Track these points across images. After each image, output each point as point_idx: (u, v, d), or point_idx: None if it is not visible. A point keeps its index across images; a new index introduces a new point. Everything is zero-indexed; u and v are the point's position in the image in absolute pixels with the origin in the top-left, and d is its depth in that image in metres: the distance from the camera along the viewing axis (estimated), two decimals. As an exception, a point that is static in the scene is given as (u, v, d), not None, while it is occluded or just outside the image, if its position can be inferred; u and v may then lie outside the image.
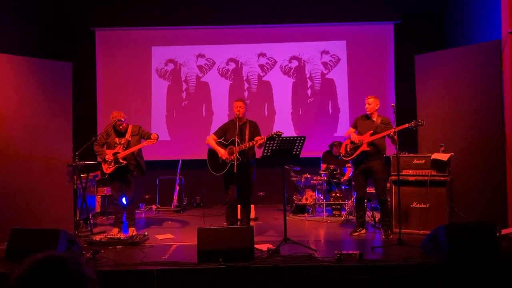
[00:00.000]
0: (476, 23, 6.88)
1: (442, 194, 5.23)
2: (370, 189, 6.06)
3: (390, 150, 5.50)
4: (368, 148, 5.28)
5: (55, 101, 5.77)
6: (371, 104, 5.40)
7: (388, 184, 5.62)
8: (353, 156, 5.42)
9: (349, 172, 7.01)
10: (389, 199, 5.46)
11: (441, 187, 5.25)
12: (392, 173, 5.43)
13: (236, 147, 5.01)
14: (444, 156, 5.28)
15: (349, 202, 6.65)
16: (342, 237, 5.37)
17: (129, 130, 5.62)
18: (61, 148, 5.72)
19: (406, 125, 5.03)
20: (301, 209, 7.11)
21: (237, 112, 5.17)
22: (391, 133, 5.02)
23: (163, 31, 8.55)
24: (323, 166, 7.30)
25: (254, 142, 4.96)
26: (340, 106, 8.44)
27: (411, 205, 5.35)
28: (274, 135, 4.68)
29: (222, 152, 5.18)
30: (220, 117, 8.12)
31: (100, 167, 5.72)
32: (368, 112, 5.43)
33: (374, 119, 5.39)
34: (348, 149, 5.51)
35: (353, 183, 6.58)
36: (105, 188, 7.03)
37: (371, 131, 5.30)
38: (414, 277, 3.70)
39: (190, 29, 8.53)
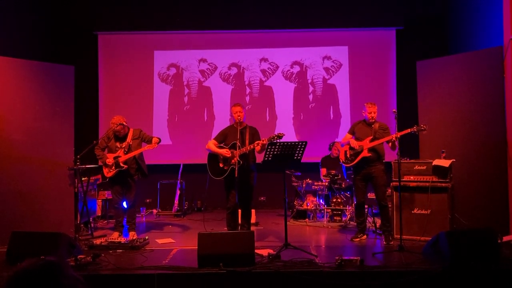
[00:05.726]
0: (478, 30, 6.89)
1: (443, 201, 5.21)
2: (371, 195, 6.04)
3: (392, 156, 5.48)
4: (370, 154, 5.27)
5: (57, 105, 5.79)
6: (376, 112, 5.38)
7: (389, 190, 5.61)
8: (354, 162, 5.40)
9: None
10: (390, 205, 5.45)
11: (443, 193, 5.23)
12: (394, 179, 5.41)
13: (237, 150, 5.00)
14: (445, 163, 5.26)
15: (350, 207, 6.64)
16: (343, 243, 5.35)
17: (130, 133, 5.61)
18: (63, 151, 5.73)
19: (409, 130, 5.02)
20: (302, 214, 7.09)
21: (238, 117, 5.18)
22: (393, 139, 5.01)
23: (166, 36, 8.58)
24: (323, 170, 7.28)
25: (256, 145, 4.96)
26: (341, 112, 8.43)
27: (412, 211, 5.33)
28: (275, 137, 4.70)
29: (224, 151, 5.16)
30: (222, 122, 8.11)
31: (101, 171, 5.72)
32: (372, 120, 5.40)
33: (372, 125, 5.39)
34: (348, 155, 5.49)
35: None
36: (106, 191, 7.02)
37: (371, 137, 5.30)
38: (415, 283, 3.68)
39: (193, 34, 8.56)
